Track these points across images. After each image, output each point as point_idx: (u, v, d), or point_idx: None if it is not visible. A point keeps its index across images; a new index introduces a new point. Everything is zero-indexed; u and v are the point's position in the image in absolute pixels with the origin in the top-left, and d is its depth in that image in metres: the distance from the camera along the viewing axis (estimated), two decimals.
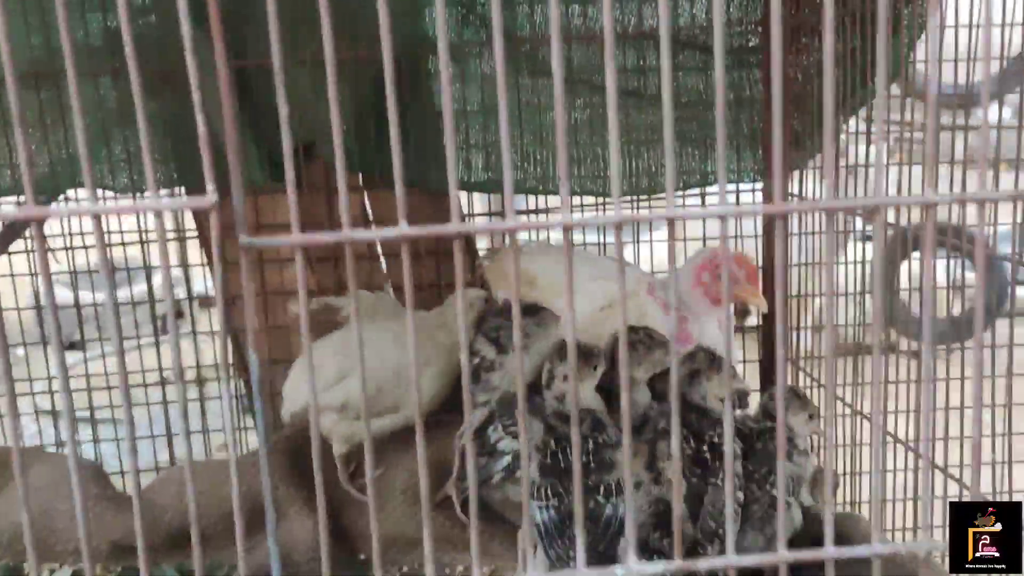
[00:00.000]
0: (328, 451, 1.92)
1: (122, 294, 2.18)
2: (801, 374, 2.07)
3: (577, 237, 2.27)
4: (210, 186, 0.62)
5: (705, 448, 1.44)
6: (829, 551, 0.69)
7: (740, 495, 1.42)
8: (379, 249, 2.09)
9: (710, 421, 1.49)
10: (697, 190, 2.04)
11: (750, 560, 0.70)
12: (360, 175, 2.05)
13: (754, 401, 1.75)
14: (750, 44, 1.88)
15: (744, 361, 2.03)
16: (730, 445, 0.75)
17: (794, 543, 1.54)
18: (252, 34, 1.85)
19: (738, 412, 1.58)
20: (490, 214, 2.40)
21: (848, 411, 1.98)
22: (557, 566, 1.42)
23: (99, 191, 1.98)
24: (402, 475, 1.89)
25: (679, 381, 1.56)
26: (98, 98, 1.88)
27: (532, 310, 1.75)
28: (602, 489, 1.42)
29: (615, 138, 0.63)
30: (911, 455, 1.87)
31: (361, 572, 1.86)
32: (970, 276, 2.64)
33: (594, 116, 1.88)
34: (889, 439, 1.89)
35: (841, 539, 1.66)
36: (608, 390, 1.59)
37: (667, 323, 1.70)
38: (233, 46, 1.84)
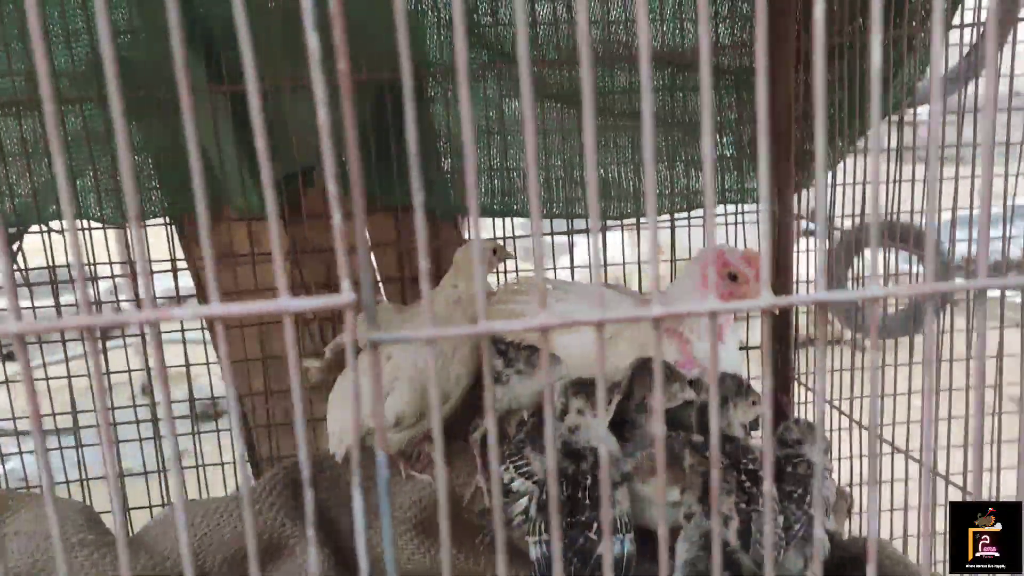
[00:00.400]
0: (322, 487, 1.87)
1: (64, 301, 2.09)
2: (800, 387, 2.09)
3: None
4: (345, 283, 0.58)
5: (744, 477, 1.44)
6: None
7: (781, 518, 1.42)
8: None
9: (741, 449, 1.49)
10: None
11: None
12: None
13: None
14: (753, 65, 1.88)
15: (748, 377, 2.03)
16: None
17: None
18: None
19: (755, 438, 1.58)
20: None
21: (847, 422, 2.01)
22: None
23: (82, 220, 1.90)
24: (412, 509, 1.85)
25: (703, 409, 1.56)
26: (84, 124, 1.80)
27: (533, 349, 1.73)
28: (595, 526, 1.41)
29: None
30: (901, 459, 1.92)
31: None
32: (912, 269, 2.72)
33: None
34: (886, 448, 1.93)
35: (861, 563, 1.68)
36: (621, 422, 1.59)
37: (668, 349, 1.69)
38: (228, 70, 1.78)
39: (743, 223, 1.99)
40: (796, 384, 2.03)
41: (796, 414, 2.04)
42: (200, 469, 2.04)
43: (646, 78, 0.61)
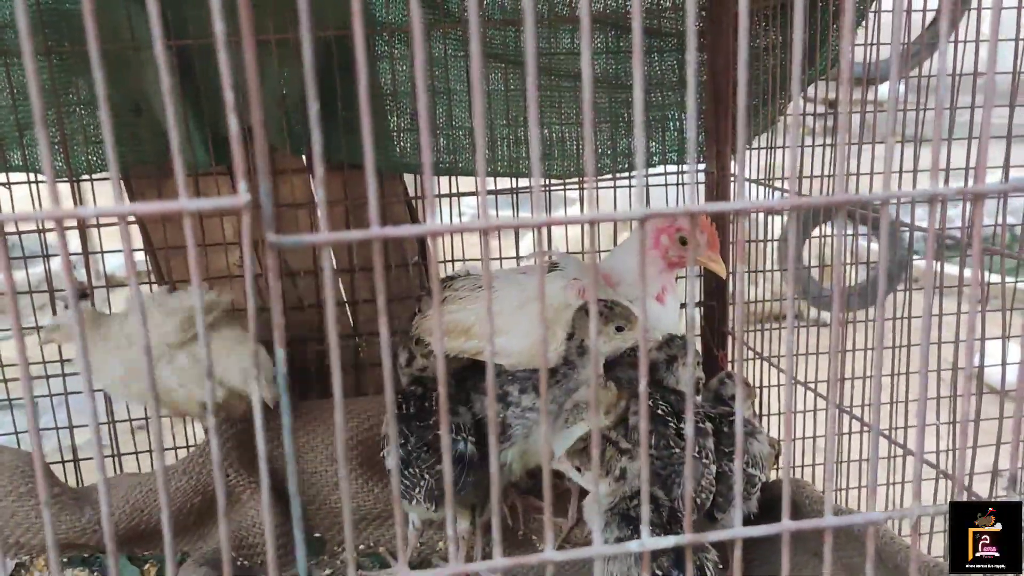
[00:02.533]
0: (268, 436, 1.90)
1: (18, 275, 2.10)
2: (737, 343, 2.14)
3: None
4: (242, 185, 0.62)
5: (683, 425, 1.50)
6: (829, 520, 0.73)
7: (713, 468, 1.49)
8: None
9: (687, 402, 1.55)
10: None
11: (757, 531, 0.74)
12: (304, 157, 2.03)
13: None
14: (696, 28, 1.92)
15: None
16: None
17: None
18: (192, 11, 1.80)
19: (697, 398, 1.64)
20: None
21: (784, 379, 2.07)
22: (404, 498, 1.57)
23: (29, 175, 1.91)
24: (348, 449, 1.89)
25: (653, 366, 1.62)
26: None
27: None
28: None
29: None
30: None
31: (316, 550, 1.88)
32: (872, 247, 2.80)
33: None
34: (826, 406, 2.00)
35: (792, 507, 1.75)
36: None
37: None
38: (173, 24, 1.79)
39: (682, 184, 2.04)
40: (732, 340, 2.09)
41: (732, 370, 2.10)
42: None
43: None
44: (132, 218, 1.99)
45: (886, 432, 1.91)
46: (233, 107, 0.62)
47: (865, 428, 1.81)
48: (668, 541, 0.74)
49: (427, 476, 1.56)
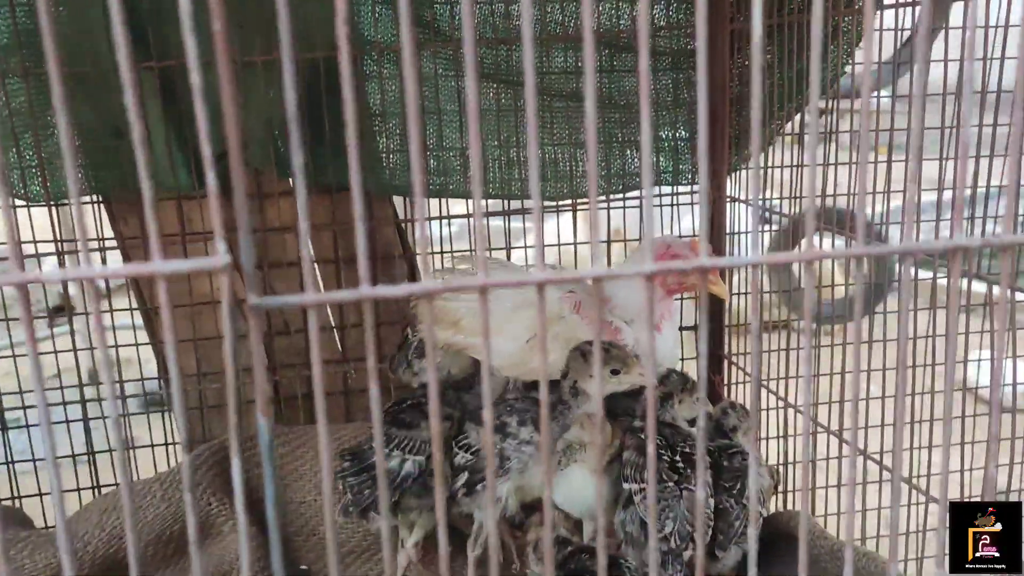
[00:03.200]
0: (252, 462, 1.84)
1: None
2: (734, 368, 2.11)
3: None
4: (221, 245, 0.57)
5: (678, 458, 1.47)
6: None
7: (712, 500, 1.46)
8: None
9: (681, 435, 1.52)
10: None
11: None
12: (291, 180, 1.98)
13: None
14: (690, 47, 1.89)
15: (682, 359, 2.05)
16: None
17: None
18: (175, 33, 1.75)
19: (692, 429, 1.60)
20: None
21: (779, 403, 2.03)
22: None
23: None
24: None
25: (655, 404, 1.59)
26: (6, 100, 1.75)
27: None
28: (393, 441, 1.57)
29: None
30: (835, 442, 1.95)
31: None
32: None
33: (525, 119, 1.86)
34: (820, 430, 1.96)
35: (789, 539, 1.70)
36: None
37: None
38: (155, 45, 1.74)
39: (677, 204, 2.01)
40: (728, 364, 2.05)
41: (729, 395, 2.06)
42: (130, 452, 2.01)
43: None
44: (110, 244, 1.93)
45: (883, 461, 1.87)
46: (212, 163, 0.58)
47: (867, 456, 1.76)
48: None
49: (347, 492, 1.56)
